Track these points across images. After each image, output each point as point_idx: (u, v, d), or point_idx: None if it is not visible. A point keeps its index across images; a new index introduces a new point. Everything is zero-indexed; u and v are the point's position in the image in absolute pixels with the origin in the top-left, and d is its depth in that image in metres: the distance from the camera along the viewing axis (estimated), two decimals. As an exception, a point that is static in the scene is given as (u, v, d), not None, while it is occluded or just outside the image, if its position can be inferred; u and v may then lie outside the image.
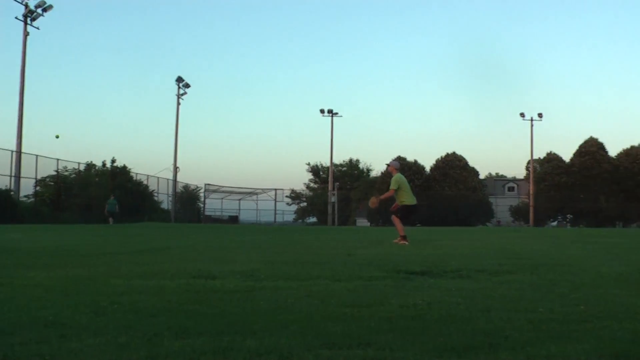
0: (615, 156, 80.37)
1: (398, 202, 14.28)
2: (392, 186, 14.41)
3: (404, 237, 13.60)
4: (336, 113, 73.20)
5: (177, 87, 58.46)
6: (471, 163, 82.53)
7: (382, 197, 14.94)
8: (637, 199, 75.97)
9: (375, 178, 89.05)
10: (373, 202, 15.38)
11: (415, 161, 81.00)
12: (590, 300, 4.80)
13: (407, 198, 14.28)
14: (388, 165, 15.54)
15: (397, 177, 14.51)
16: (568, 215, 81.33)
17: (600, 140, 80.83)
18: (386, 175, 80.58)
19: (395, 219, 14.13)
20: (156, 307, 4.34)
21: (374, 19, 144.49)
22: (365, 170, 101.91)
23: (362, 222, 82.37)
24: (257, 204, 79.97)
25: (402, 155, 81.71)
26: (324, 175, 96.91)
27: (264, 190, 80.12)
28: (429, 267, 7.32)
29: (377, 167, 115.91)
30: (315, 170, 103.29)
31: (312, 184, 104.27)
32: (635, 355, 3.03)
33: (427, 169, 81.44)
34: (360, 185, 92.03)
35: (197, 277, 6.15)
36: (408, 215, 14.55)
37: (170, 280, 5.95)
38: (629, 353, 3.07)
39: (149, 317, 3.96)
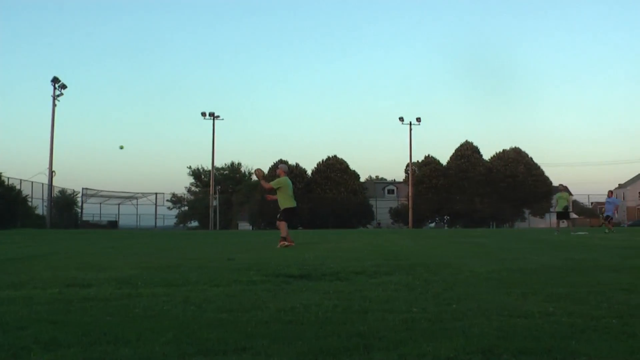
0: (489, 159, 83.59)
1: (280, 206, 14.78)
2: (273, 184, 14.93)
3: (284, 238, 14.23)
4: (218, 116, 72.68)
5: (52, 87, 56.40)
6: (352, 166, 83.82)
7: (263, 183, 15.26)
8: (509, 200, 79.37)
9: (257, 182, 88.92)
10: (259, 172, 15.94)
11: (297, 164, 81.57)
12: (462, 298, 4.96)
13: (287, 201, 14.85)
14: (278, 167, 15.96)
15: (283, 179, 15.05)
16: (445, 217, 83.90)
17: (475, 144, 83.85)
18: (268, 178, 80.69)
19: (280, 224, 14.65)
20: (24, 319, 4.15)
21: (254, 22, 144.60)
22: (247, 173, 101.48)
23: (244, 226, 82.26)
24: (137, 209, 78.31)
25: (285, 158, 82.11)
26: (205, 179, 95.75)
27: (144, 195, 78.59)
28: (308, 270, 7.37)
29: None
30: (196, 173, 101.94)
31: (193, 188, 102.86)
32: (501, 350, 3.14)
33: (309, 172, 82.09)
34: (242, 188, 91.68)
35: (71, 286, 5.93)
36: (290, 218, 15.08)
37: (42, 289, 5.71)
38: (495, 348, 3.18)
39: (15, 330, 3.77)
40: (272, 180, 15.64)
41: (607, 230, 27.08)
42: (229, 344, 3.33)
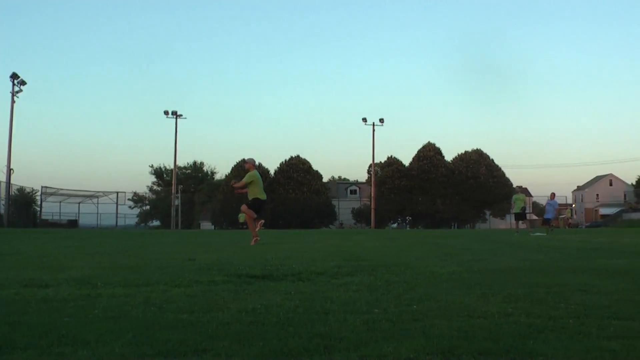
0: (451, 161, 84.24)
1: (249, 197, 15.46)
2: (246, 179, 15.51)
3: (256, 235, 15.22)
4: (180, 115, 72.08)
5: (11, 84, 55.49)
6: (315, 166, 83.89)
7: (237, 184, 15.92)
8: (471, 201, 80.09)
9: (220, 180, 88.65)
10: (233, 182, 16.53)
11: (260, 164, 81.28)
12: (423, 299, 4.99)
13: (259, 193, 15.58)
14: (245, 162, 16.53)
15: (253, 172, 15.66)
16: (407, 217, 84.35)
17: (437, 145, 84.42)
18: (231, 177, 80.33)
19: (248, 220, 15.35)
20: (-22, 321, 4.07)
21: (217, 20, 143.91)
22: (209, 172, 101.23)
23: (207, 226, 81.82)
24: (97, 208, 77.25)
25: (247, 157, 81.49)
26: (167, 178, 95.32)
27: (105, 193, 77.58)
28: (270, 270, 7.36)
29: (222, 170, 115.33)
30: (158, 172, 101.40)
31: (155, 187, 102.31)
32: (461, 350, 3.17)
33: (272, 172, 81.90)
34: (204, 187, 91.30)
35: (28, 286, 5.83)
36: (259, 208, 15.61)
37: (-2, 290, 5.62)
38: (455, 349, 3.21)
39: (-31, 333, 3.70)
40: (243, 177, 16.02)
41: (546, 233, 26.90)
42: (189, 345, 3.31)
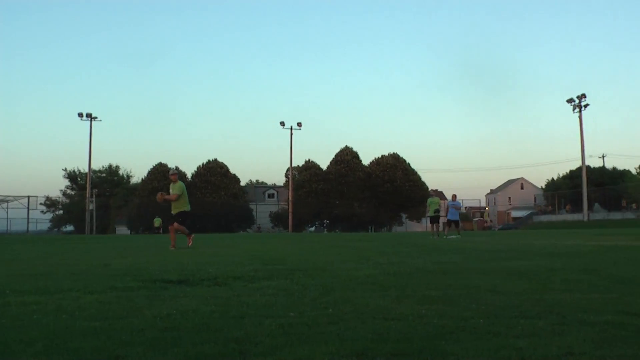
0: (368, 164, 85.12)
1: (176, 209, 15.81)
2: (177, 192, 15.89)
3: (189, 234, 16.07)
4: (95, 117, 70.56)
5: None
6: (232, 170, 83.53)
7: (167, 197, 16.14)
8: (387, 204, 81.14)
9: (137, 184, 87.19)
10: (159, 197, 16.44)
11: (177, 167, 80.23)
12: (338, 302, 5.03)
13: (185, 205, 15.99)
14: (171, 173, 16.73)
15: (181, 184, 16.20)
16: (325, 221, 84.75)
17: (355, 149, 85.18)
18: (147, 182, 79.14)
19: (178, 227, 15.77)
20: None
21: (132, 22, 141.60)
22: (125, 176, 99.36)
23: (122, 230, 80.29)
24: (7, 212, 74.82)
25: (164, 161, 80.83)
26: (82, 182, 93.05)
27: (15, 198, 75.24)
28: (186, 275, 7.30)
29: (138, 174, 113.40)
30: (72, 176, 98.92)
31: (69, 191, 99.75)
32: (375, 352, 3.22)
33: (189, 175, 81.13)
34: (120, 192, 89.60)
35: None
36: (185, 220, 15.96)
37: None
38: (369, 351, 3.25)
39: None
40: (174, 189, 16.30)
41: (445, 236, 26.94)
42: (102, 353, 3.25)
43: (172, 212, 15.87)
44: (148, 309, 4.75)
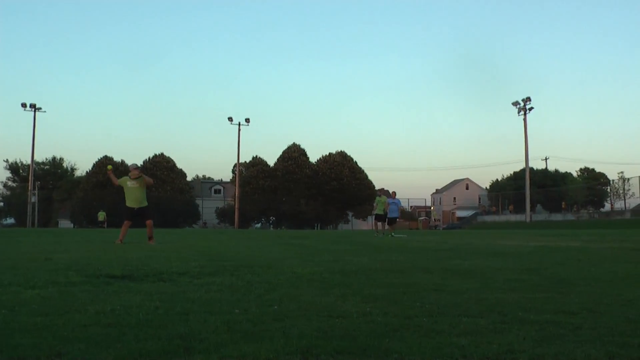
0: (315, 162, 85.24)
1: (141, 203, 15.64)
2: (121, 182, 15.71)
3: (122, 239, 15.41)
4: (39, 108, 69.14)
5: None
6: (179, 165, 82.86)
7: (113, 179, 16.28)
8: (334, 202, 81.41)
9: (81, 177, 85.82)
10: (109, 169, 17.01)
11: (122, 161, 79.39)
12: (284, 300, 5.05)
13: (129, 201, 15.66)
14: (134, 168, 16.06)
15: (126, 179, 15.73)
16: (271, 217, 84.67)
17: (303, 146, 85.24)
18: (92, 175, 77.91)
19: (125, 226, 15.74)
20: None
21: (83, 13, 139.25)
22: (69, 169, 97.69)
23: (66, 224, 79.01)
24: (-57, 205, 72.85)
25: (110, 155, 79.74)
26: (24, 174, 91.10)
27: (-48, 189, 73.25)
28: (131, 270, 7.22)
29: (83, 166, 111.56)
30: (14, 167, 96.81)
31: (10, 183, 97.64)
32: (320, 350, 3.23)
33: (135, 169, 79.99)
34: (63, 184, 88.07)
35: None
36: (130, 217, 15.73)
37: None
38: (314, 348, 3.27)
39: None
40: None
41: (390, 235, 26.89)
42: (43, 349, 3.20)
43: (138, 206, 15.55)
44: (91, 304, 4.69)
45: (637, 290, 5.87)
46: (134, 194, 15.49)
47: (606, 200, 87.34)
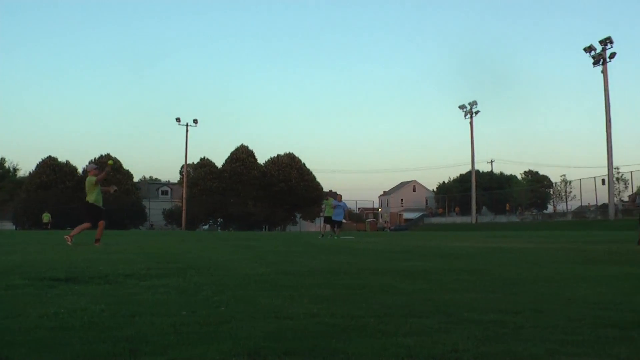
0: (264, 163, 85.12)
1: (90, 199, 15.45)
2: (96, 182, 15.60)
3: (72, 238, 15.17)
4: (-20, 107, 67.49)
5: None
6: (125, 165, 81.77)
7: (103, 186, 16.27)
8: (282, 204, 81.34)
9: (24, 178, 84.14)
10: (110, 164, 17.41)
11: (68, 162, 78.17)
12: (231, 301, 5.02)
13: (99, 199, 15.70)
14: (92, 169, 16.23)
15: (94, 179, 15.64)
16: (219, 219, 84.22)
17: (251, 148, 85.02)
18: (35, 175, 76.48)
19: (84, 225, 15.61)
20: None
21: (27, 12, 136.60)
22: (11, 169, 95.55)
23: (7, 225, 77.34)
24: None
25: (54, 155, 78.45)
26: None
27: None
28: (76, 273, 7.11)
29: (25, 167, 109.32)
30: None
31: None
32: (268, 351, 3.23)
33: (80, 170, 79.03)
34: (5, 185, 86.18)
35: None
36: (98, 215, 15.70)
37: None
38: (262, 350, 3.26)
39: None
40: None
41: (336, 237, 26.75)
42: (-17, 354, 3.13)
43: (101, 205, 15.58)
44: (34, 308, 4.60)
45: (579, 290, 6.01)
46: (101, 194, 15.67)
47: (549, 203, 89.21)
